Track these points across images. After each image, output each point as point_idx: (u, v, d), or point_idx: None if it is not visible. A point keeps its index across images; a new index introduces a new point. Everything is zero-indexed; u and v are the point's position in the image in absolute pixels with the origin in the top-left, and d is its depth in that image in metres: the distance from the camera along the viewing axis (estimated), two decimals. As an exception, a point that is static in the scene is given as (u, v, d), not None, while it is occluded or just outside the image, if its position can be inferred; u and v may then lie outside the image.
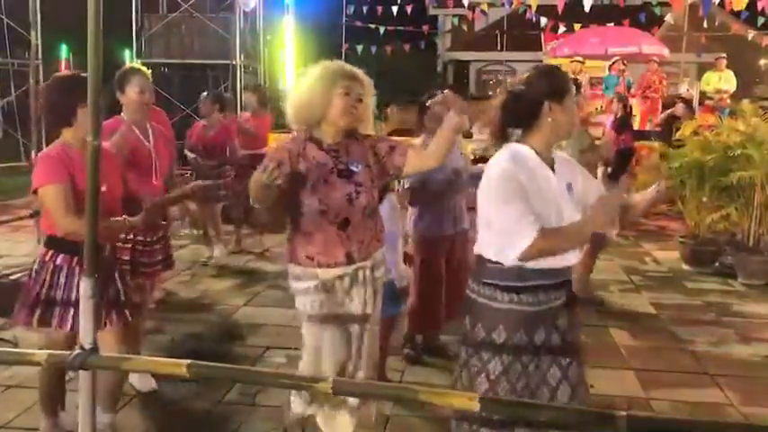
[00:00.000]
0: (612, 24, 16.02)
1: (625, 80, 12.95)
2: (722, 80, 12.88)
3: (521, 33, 19.48)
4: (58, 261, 2.95)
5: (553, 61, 16.70)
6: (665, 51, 14.40)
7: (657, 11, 16.30)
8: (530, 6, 14.67)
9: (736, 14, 14.74)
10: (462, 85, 23.04)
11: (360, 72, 2.82)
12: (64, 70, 15.58)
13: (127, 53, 14.82)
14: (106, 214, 2.86)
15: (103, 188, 2.79)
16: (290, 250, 2.89)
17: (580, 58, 13.37)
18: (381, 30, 18.31)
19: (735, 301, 5.92)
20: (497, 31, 20.89)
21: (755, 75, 18.50)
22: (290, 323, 5.09)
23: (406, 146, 2.97)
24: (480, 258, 2.45)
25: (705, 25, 15.57)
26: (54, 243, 2.96)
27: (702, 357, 4.64)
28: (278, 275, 6.37)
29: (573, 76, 12.05)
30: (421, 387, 1.62)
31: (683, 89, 13.70)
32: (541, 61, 19.49)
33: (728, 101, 12.09)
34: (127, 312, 3.13)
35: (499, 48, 20.95)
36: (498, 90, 2.56)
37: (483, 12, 17.20)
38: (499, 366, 2.35)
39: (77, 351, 1.88)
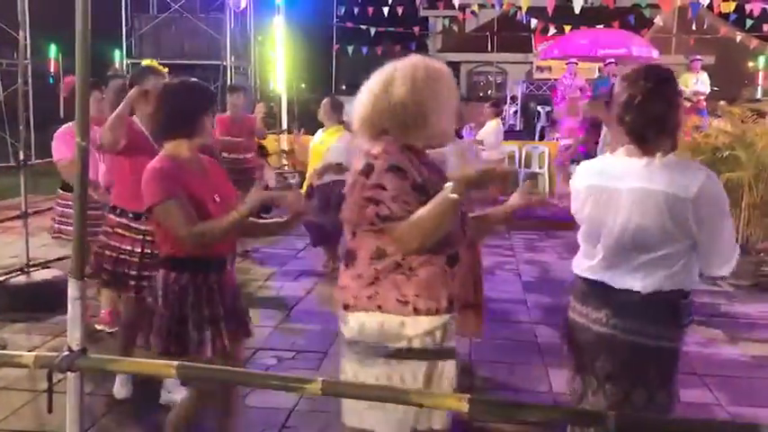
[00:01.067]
0: (602, 26, 16.08)
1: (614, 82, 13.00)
2: (698, 82, 13.01)
3: (511, 35, 19.53)
4: (183, 282, 2.74)
5: (543, 63, 16.82)
6: (655, 53, 14.48)
7: (647, 13, 16.34)
8: (520, 8, 14.70)
9: (725, 17, 14.86)
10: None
11: None
12: (53, 70, 15.57)
13: (117, 53, 14.76)
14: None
15: (217, 198, 2.76)
16: (367, 293, 2.17)
17: (575, 60, 13.43)
18: (372, 31, 18.30)
19: (723, 301, 5.95)
20: (488, 33, 20.92)
21: (744, 77, 18.63)
22: (278, 325, 5.09)
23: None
24: (673, 295, 2.22)
25: (694, 27, 15.66)
26: (176, 264, 2.76)
27: (691, 358, 4.66)
28: (268, 277, 6.37)
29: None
30: (411, 388, 1.62)
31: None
32: (531, 63, 19.64)
33: (704, 102, 12.22)
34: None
35: (490, 49, 21.00)
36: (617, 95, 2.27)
37: (473, 13, 17.23)
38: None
39: (65, 353, 1.87)
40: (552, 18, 15.14)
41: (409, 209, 2.06)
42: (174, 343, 2.70)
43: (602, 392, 2.24)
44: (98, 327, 4.77)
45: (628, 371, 2.21)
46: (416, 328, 2.13)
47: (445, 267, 2.18)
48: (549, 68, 16.64)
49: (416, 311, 2.12)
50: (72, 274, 1.89)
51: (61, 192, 4.93)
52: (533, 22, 15.89)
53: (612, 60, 13.27)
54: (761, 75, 17.95)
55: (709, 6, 14.00)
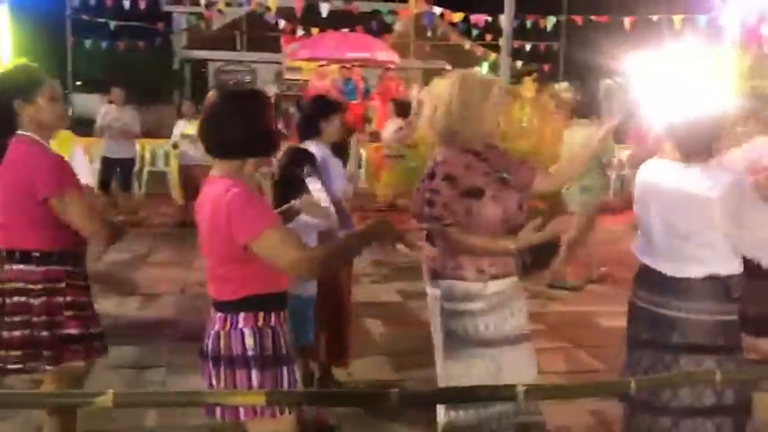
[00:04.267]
0: (347, 30, 16.78)
1: (363, 85, 13.69)
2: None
3: (260, 34, 19.61)
4: (272, 322, 2.32)
5: (293, 64, 17.09)
6: (396, 58, 15.47)
7: (388, 19, 17.40)
8: (268, 8, 14.84)
9: (455, 26, 16.35)
10: (201, 85, 22.60)
11: None
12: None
13: None
14: None
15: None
16: (449, 266, 2.68)
17: (325, 62, 13.87)
18: (112, 25, 17.26)
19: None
20: (237, 31, 20.80)
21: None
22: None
23: (534, 164, 2.98)
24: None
25: (429, 35, 17.00)
26: (262, 303, 2.31)
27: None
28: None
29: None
30: (209, 390, 1.63)
31: (413, 94, 14.82)
32: (281, 63, 19.85)
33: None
34: None
35: (239, 48, 20.88)
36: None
37: (219, 11, 17.04)
38: None
39: None
40: (300, 20, 15.50)
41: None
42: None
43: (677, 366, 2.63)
44: None
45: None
46: (495, 288, 2.66)
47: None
48: (300, 69, 16.98)
49: (493, 277, 2.65)
50: None
51: None
52: (282, 22, 16.13)
53: (357, 64, 13.97)
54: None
55: (441, 16, 15.33)
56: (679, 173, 2.65)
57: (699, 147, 2.64)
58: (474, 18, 15.11)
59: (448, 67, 15.06)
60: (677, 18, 13.52)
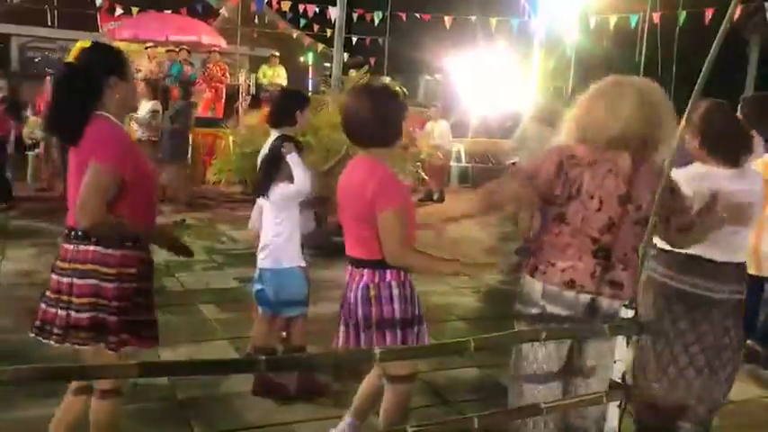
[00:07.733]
0: (170, 11, 16.17)
1: (190, 70, 13.32)
2: (276, 74, 14.26)
3: (75, 11, 18.32)
4: (410, 277, 2.86)
5: (111, 43, 16.21)
6: (223, 43, 15.18)
7: (213, 3, 16.99)
8: (85, -17, 13.97)
9: (283, 14, 16.32)
10: (3, 61, 20.71)
11: None
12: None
13: None
14: None
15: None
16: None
17: (152, 44, 13.29)
18: None
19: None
20: (47, 6, 19.29)
21: (300, 69, 20.67)
22: None
23: None
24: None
25: (257, 21, 16.83)
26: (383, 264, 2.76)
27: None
28: None
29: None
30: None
31: (241, 79, 14.67)
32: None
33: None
34: None
35: (50, 24, 19.39)
36: None
37: (27, -18, 15.75)
38: None
39: None
40: (121, -2, 14.76)
41: None
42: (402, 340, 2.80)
43: None
44: None
45: None
46: None
47: None
48: (119, 50, 16.14)
49: None
50: None
51: None
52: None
53: (185, 47, 13.56)
54: (311, 69, 20.13)
55: (269, 3, 15.25)
56: (730, 179, 2.91)
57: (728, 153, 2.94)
58: (302, 7, 15.18)
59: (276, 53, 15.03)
60: (493, 20, 14.51)
